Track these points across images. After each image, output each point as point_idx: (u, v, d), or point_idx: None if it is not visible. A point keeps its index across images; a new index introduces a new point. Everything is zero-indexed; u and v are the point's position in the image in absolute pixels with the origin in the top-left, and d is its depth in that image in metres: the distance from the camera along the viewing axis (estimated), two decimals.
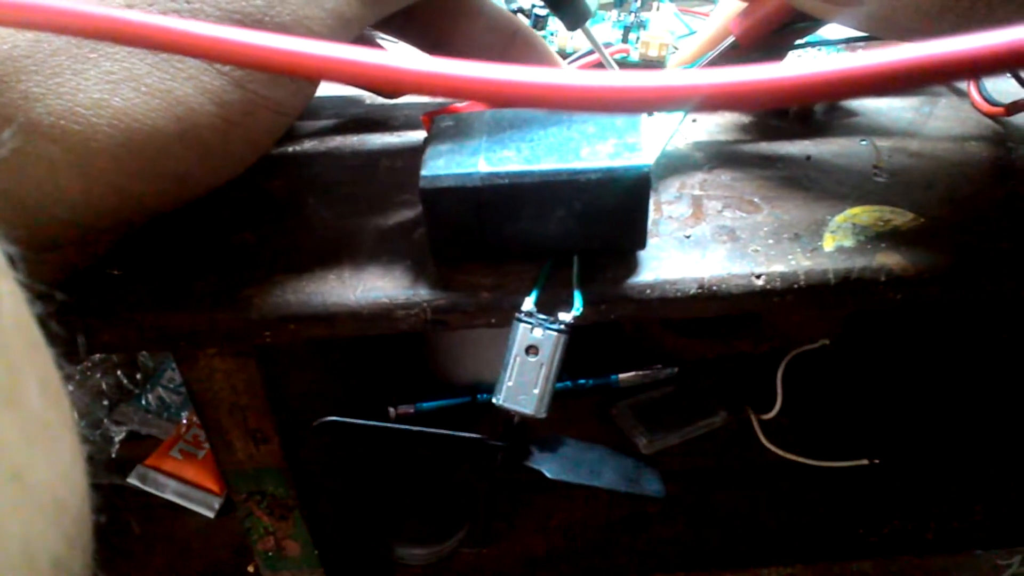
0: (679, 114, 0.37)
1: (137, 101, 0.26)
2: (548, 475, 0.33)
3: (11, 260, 0.13)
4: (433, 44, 0.36)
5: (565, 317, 0.29)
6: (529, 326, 0.29)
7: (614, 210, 0.29)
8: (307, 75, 0.17)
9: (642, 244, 0.31)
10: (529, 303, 0.30)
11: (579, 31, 0.37)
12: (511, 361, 0.30)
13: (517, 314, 0.30)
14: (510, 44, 0.35)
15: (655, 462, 0.31)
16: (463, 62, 0.16)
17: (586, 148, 0.29)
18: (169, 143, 0.26)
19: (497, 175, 0.28)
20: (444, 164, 0.29)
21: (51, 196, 0.26)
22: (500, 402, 0.30)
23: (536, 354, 0.29)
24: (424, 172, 0.29)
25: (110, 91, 0.25)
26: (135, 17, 0.18)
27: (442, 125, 0.32)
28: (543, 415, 0.30)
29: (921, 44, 0.13)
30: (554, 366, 0.30)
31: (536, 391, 0.30)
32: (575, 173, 0.28)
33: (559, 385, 0.30)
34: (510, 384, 0.30)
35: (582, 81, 0.15)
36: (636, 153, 0.28)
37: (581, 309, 0.29)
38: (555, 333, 0.29)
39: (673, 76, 0.15)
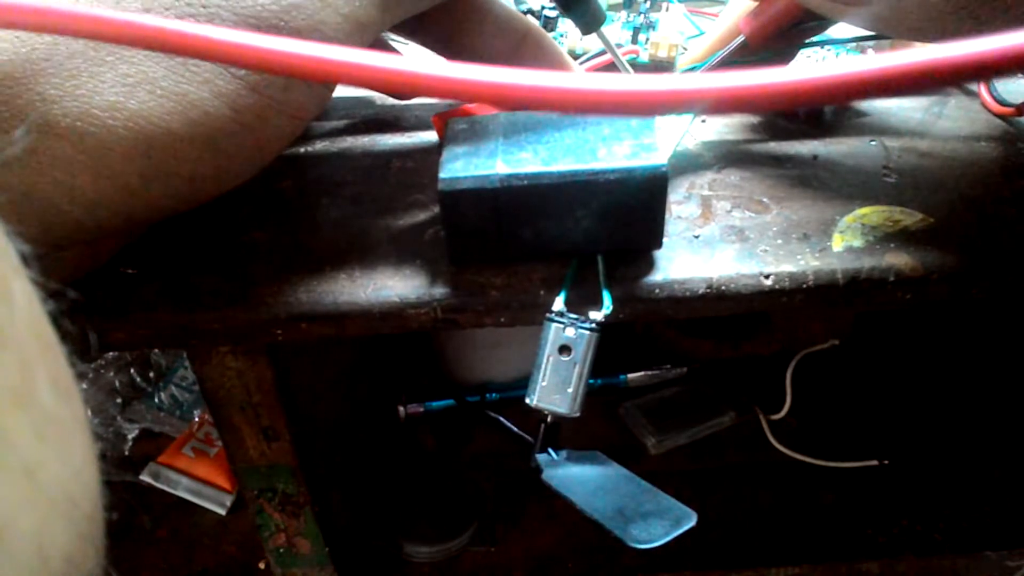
0: (689, 114, 0.37)
1: (152, 104, 0.26)
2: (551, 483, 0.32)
3: (24, 258, 0.13)
4: (444, 46, 0.36)
5: (596, 316, 0.29)
6: (561, 326, 0.29)
7: (632, 210, 0.29)
8: (325, 79, 0.18)
9: (658, 244, 0.31)
10: (559, 303, 0.30)
11: (566, 26, 0.37)
12: (544, 361, 0.30)
13: (548, 314, 0.30)
14: (521, 45, 0.35)
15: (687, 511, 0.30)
16: (476, 66, 0.16)
17: (603, 149, 0.29)
18: (183, 146, 0.27)
19: (516, 176, 0.29)
20: (462, 166, 0.29)
21: (66, 196, 0.26)
22: (534, 402, 0.30)
23: (569, 354, 0.29)
24: (443, 175, 0.29)
25: (126, 94, 0.25)
26: (152, 21, 0.18)
27: (456, 128, 0.32)
28: (577, 414, 0.30)
29: (925, 48, 0.13)
30: (587, 365, 0.30)
31: (570, 390, 0.30)
32: (594, 173, 0.28)
33: None
34: (544, 384, 0.30)
35: (595, 85, 0.15)
36: (653, 153, 0.29)
37: (611, 307, 0.30)
38: (587, 332, 0.29)
39: (683, 80, 0.15)
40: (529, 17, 0.41)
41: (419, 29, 0.36)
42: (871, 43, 0.44)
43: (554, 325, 0.30)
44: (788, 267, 0.31)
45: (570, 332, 0.29)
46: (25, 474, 0.11)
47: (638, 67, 0.44)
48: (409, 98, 0.42)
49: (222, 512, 0.57)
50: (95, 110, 0.25)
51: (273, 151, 0.30)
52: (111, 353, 0.63)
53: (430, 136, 0.40)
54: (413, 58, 0.17)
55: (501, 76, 0.16)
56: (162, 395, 0.64)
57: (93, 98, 0.25)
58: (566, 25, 0.47)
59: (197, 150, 0.27)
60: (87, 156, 0.25)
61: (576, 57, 0.45)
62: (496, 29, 0.35)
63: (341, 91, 0.44)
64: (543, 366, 0.30)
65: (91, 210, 0.27)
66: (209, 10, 0.26)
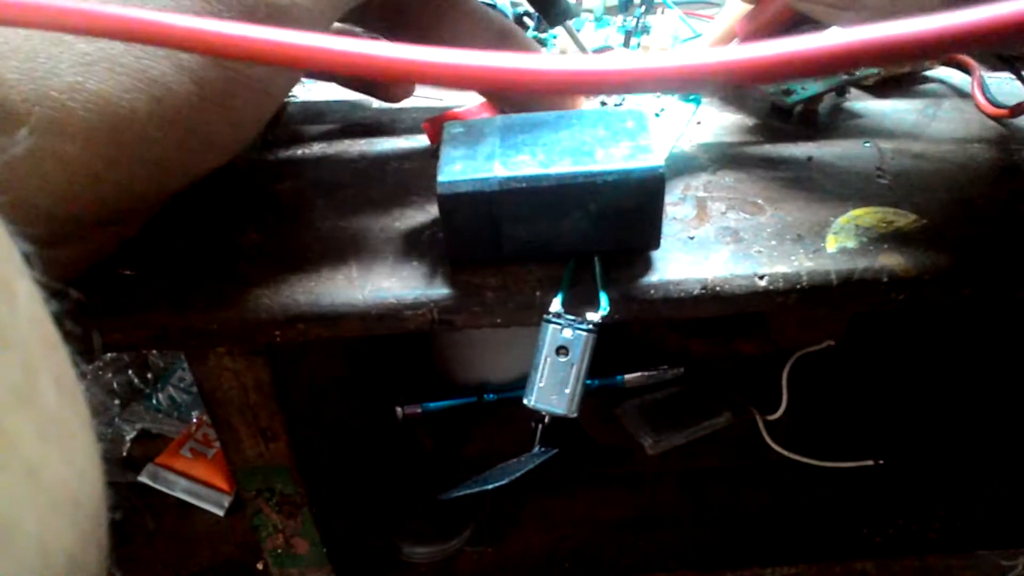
0: (685, 116, 0.37)
1: (112, 83, 0.25)
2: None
3: (27, 258, 0.13)
4: (421, 44, 0.36)
5: (593, 317, 0.30)
6: (559, 327, 0.30)
7: (629, 211, 0.29)
8: (294, 65, 0.17)
9: (656, 244, 0.31)
10: (556, 304, 0.30)
11: (561, 28, 0.38)
12: (541, 362, 0.30)
13: (545, 315, 0.30)
14: (499, 45, 0.35)
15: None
16: (442, 49, 0.16)
17: (600, 151, 0.29)
18: (146, 126, 0.26)
19: (515, 179, 0.29)
20: (461, 170, 0.29)
21: (32, 185, 0.25)
22: (532, 403, 0.30)
23: (566, 355, 0.30)
24: (441, 178, 0.29)
25: (84, 73, 0.24)
26: (110, 11, 0.17)
27: (453, 132, 0.32)
28: (575, 414, 0.30)
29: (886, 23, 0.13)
30: (584, 366, 0.30)
31: (568, 391, 0.30)
32: (592, 175, 0.28)
33: None
34: (541, 385, 0.30)
35: (556, 66, 0.16)
36: (650, 154, 0.29)
37: (608, 308, 0.30)
38: (584, 333, 0.29)
39: (644, 59, 0.15)
40: (523, 19, 0.42)
41: (396, 26, 0.35)
42: None
43: (551, 326, 0.30)
44: (782, 268, 0.31)
45: (567, 333, 0.30)
46: (28, 474, 0.11)
47: None
48: (399, 100, 0.42)
49: (220, 513, 0.57)
50: (53, 92, 0.24)
51: (243, 131, 0.29)
52: (109, 354, 0.64)
53: (426, 139, 0.40)
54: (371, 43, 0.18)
55: (467, 58, 0.16)
56: (160, 396, 0.64)
57: (51, 80, 0.24)
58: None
59: (163, 129, 0.26)
60: (48, 142, 0.24)
61: None
62: (473, 28, 0.35)
63: (337, 94, 0.44)
64: (541, 367, 0.30)
65: (61, 199, 0.26)
66: None
